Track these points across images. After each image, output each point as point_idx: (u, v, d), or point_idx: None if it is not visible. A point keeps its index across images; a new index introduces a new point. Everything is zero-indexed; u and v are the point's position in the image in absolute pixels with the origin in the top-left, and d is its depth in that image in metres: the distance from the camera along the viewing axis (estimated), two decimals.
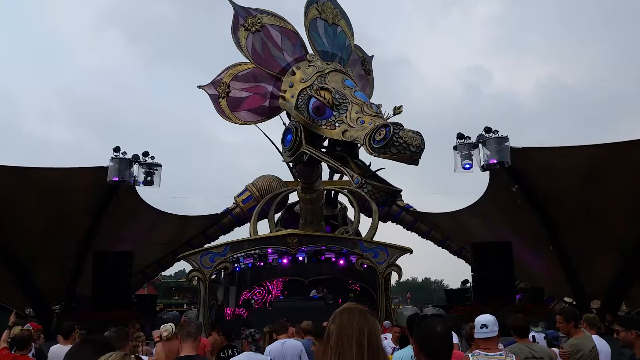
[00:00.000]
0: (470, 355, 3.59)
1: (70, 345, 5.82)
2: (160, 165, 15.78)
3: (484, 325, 3.61)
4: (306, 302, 15.26)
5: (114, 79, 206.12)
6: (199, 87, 12.87)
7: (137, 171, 15.34)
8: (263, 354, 5.46)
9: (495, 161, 13.67)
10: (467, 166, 14.19)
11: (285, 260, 15.78)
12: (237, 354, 5.60)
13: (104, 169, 14.72)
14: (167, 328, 5.68)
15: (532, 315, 11.71)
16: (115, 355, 1.80)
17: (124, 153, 15.03)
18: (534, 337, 7.61)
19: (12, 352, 5.19)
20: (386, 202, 9.26)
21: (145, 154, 15.54)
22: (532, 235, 15.82)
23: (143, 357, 5.12)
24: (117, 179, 14.67)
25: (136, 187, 15.55)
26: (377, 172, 9.14)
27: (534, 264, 17.36)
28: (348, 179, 18.17)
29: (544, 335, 7.78)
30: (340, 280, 16.88)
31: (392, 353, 4.91)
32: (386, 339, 6.89)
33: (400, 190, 8.99)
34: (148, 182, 15.50)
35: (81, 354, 2.13)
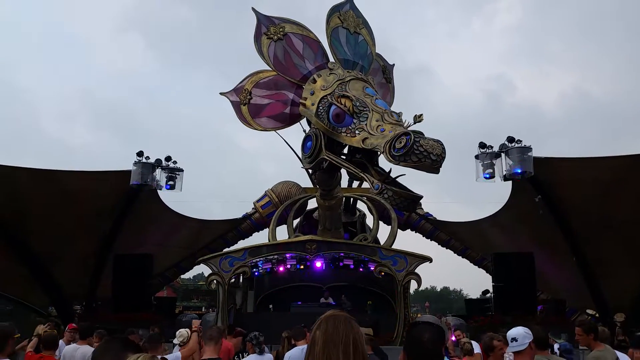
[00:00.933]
0: None
1: (85, 346, 5.94)
2: (182, 170, 16.00)
3: (513, 339, 3.58)
4: (324, 308, 15.25)
5: (133, 81, 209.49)
6: (221, 93, 13.03)
7: (160, 175, 15.57)
8: (283, 359, 5.48)
9: (519, 171, 13.51)
10: (489, 176, 14.05)
11: (303, 266, 15.80)
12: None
13: (127, 173, 14.97)
14: (183, 333, 5.72)
15: (554, 327, 11.51)
16: (144, 357, 1.85)
17: (147, 158, 15.28)
18: (558, 349, 7.52)
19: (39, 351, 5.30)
20: (407, 208, 9.21)
21: (168, 158, 15.78)
22: (554, 247, 15.58)
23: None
24: (140, 183, 14.91)
25: (158, 191, 15.78)
26: (397, 179, 9.12)
27: (555, 275, 17.07)
28: (367, 186, 18.26)
29: (557, 346, 7.65)
30: (358, 288, 16.83)
31: None
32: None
33: (421, 197, 8.92)
34: (170, 187, 15.74)
35: (109, 351, 2.20)
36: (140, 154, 15.23)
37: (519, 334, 3.58)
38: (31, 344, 5.96)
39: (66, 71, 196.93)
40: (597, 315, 16.01)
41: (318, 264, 15.77)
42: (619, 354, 4.82)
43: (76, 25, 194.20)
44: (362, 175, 9.41)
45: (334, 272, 16.41)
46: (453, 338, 8.05)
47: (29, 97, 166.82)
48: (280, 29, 11.56)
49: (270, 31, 11.54)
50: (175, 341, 5.83)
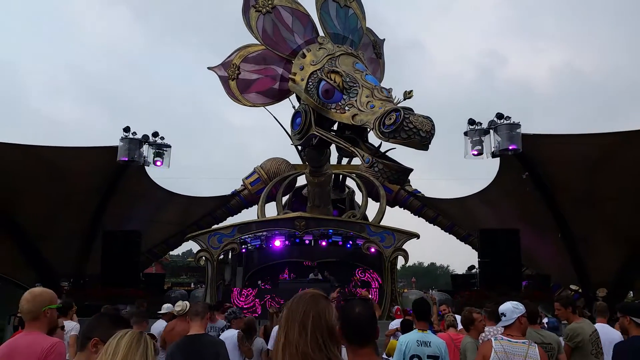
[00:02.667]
0: (493, 339, 3.63)
1: (68, 321, 5.99)
2: (169, 146, 15.85)
3: (502, 314, 3.66)
4: (311, 284, 15.37)
5: (121, 55, 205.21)
6: (209, 68, 12.84)
7: (147, 151, 15.41)
8: (270, 334, 5.55)
9: (507, 147, 13.56)
10: (477, 152, 14.10)
11: (292, 243, 15.86)
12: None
13: (114, 149, 14.79)
14: (180, 304, 5.95)
15: (539, 303, 11.73)
16: (131, 332, 1.85)
17: (134, 133, 15.08)
18: (547, 324, 7.68)
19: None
20: (397, 181, 9.20)
21: (155, 134, 15.60)
22: (540, 223, 15.78)
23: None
24: (127, 159, 14.75)
25: (145, 167, 15.64)
26: (387, 153, 9.10)
27: (541, 251, 17.34)
28: (356, 163, 18.26)
29: (546, 320, 7.82)
30: (346, 264, 16.96)
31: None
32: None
33: (411, 170, 8.88)
34: (159, 162, 15.60)
35: (99, 326, 2.20)
36: (127, 129, 15.03)
37: (507, 309, 3.65)
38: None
39: (53, 45, 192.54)
40: (580, 290, 16.35)
41: (307, 241, 15.82)
42: (606, 328, 4.96)
43: None
44: (352, 149, 9.37)
45: (323, 248, 16.50)
46: (440, 313, 8.20)
47: (14, 70, 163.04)
48: (269, 2, 11.33)
49: (259, 4, 11.30)
50: (176, 308, 6.01)
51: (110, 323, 2.18)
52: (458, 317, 6.05)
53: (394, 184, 15.09)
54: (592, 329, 4.54)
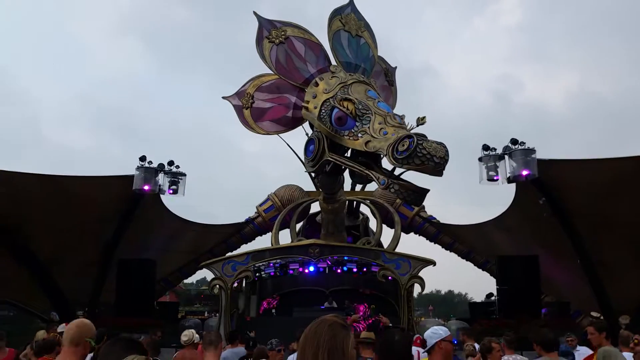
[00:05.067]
0: None
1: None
2: (184, 175, 16.01)
3: (424, 340, 3.62)
4: (326, 312, 15.17)
5: (133, 85, 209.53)
6: (223, 97, 13.03)
7: (162, 180, 15.57)
8: None
9: (523, 173, 13.45)
10: (495, 178, 14.00)
11: (306, 270, 15.75)
12: None
13: (129, 178, 14.97)
14: (187, 333, 5.75)
15: (558, 330, 11.43)
16: (139, 358, 1.83)
17: (150, 162, 15.28)
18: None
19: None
20: (414, 202, 9.04)
21: (171, 163, 15.78)
22: (559, 249, 15.50)
23: None
24: (146, 188, 14.91)
25: (161, 195, 15.78)
26: (402, 175, 9.05)
27: (560, 278, 16.99)
28: (370, 189, 18.22)
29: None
30: (361, 292, 16.76)
31: None
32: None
33: (428, 190, 8.73)
34: (173, 191, 15.74)
35: (112, 352, 2.20)
36: (142, 158, 15.24)
37: (427, 334, 3.54)
38: (27, 350, 5.96)
39: (65, 75, 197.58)
40: (601, 317, 15.88)
41: (321, 268, 15.71)
42: (625, 354, 4.83)
43: (74, 29, 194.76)
44: (367, 172, 9.31)
45: (337, 276, 16.35)
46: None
47: (28, 101, 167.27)
48: (282, 33, 11.55)
49: (272, 35, 11.53)
50: (183, 338, 5.88)
51: (123, 349, 2.17)
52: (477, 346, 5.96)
53: (411, 205, 14.99)
54: (623, 358, 4.43)
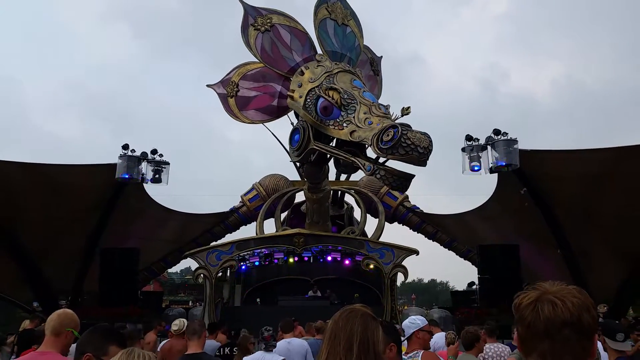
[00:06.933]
0: None
1: None
2: (168, 163, 15.85)
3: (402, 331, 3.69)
4: (311, 302, 15.29)
5: (121, 72, 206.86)
6: (207, 85, 12.93)
7: (146, 169, 15.42)
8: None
9: (504, 163, 13.60)
10: (475, 168, 14.12)
11: (291, 259, 15.80)
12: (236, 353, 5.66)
13: (113, 166, 14.80)
14: (177, 322, 5.77)
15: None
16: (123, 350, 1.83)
17: (133, 150, 15.11)
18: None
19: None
20: (400, 187, 9.08)
21: (154, 151, 15.61)
22: (539, 238, 15.74)
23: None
24: (126, 177, 14.76)
25: (144, 184, 15.63)
26: (386, 163, 9.08)
27: (540, 267, 17.27)
28: (355, 179, 18.28)
29: None
30: (345, 280, 16.88)
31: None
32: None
33: (413, 175, 8.78)
34: (156, 180, 15.59)
35: (91, 341, 2.21)
36: (125, 146, 15.05)
37: (405, 324, 3.64)
38: (10, 339, 5.92)
39: (54, 62, 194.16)
40: (605, 308, 16.21)
41: (306, 258, 15.76)
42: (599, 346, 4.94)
43: (62, 16, 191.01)
44: (352, 159, 9.33)
45: (322, 265, 16.43)
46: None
47: (16, 88, 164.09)
48: (268, 20, 11.47)
49: (258, 22, 11.44)
50: (173, 327, 5.87)
51: (102, 337, 2.17)
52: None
53: (397, 190, 15.07)
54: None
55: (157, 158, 15.68)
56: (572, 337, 1.22)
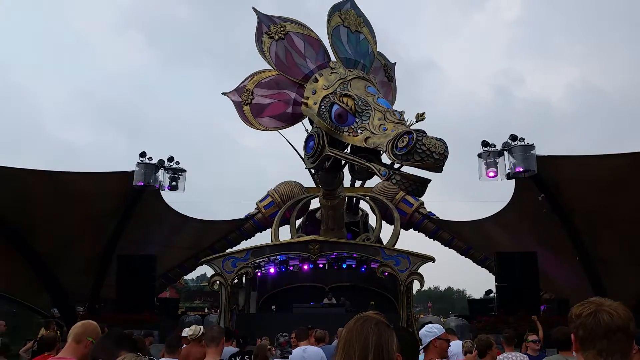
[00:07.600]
0: None
1: None
2: (184, 171, 15.99)
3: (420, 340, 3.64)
4: (326, 309, 15.24)
5: (135, 80, 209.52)
6: (223, 94, 13.03)
7: (162, 176, 15.57)
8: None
9: (521, 169, 13.44)
10: (492, 174, 13.99)
11: (306, 267, 15.78)
12: None
13: (130, 174, 14.97)
14: (193, 328, 5.70)
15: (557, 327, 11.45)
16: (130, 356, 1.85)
17: (150, 158, 15.29)
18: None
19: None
20: (416, 192, 8.99)
21: (171, 159, 15.78)
22: (558, 246, 15.50)
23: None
24: (143, 184, 14.92)
25: (161, 191, 15.78)
26: (402, 168, 9.03)
27: (559, 274, 17.01)
28: (369, 186, 18.23)
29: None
30: (360, 288, 16.81)
31: None
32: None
33: (429, 180, 8.71)
34: (173, 187, 15.74)
35: (104, 347, 2.23)
36: (142, 154, 15.23)
37: (422, 333, 3.59)
38: (27, 346, 5.99)
39: (67, 71, 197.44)
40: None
41: (321, 265, 15.74)
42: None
43: (75, 24, 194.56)
44: (368, 165, 9.29)
45: (337, 272, 16.39)
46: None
47: (30, 97, 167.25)
48: (282, 29, 11.55)
49: (272, 30, 11.53)
50: (188, 332, 5.82)
51: (114, 344, 2.19)
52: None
53: (414, 195, 15.01)
54: None
55: (174, 165, 15.83)
56: (622, 338, 1.63)
